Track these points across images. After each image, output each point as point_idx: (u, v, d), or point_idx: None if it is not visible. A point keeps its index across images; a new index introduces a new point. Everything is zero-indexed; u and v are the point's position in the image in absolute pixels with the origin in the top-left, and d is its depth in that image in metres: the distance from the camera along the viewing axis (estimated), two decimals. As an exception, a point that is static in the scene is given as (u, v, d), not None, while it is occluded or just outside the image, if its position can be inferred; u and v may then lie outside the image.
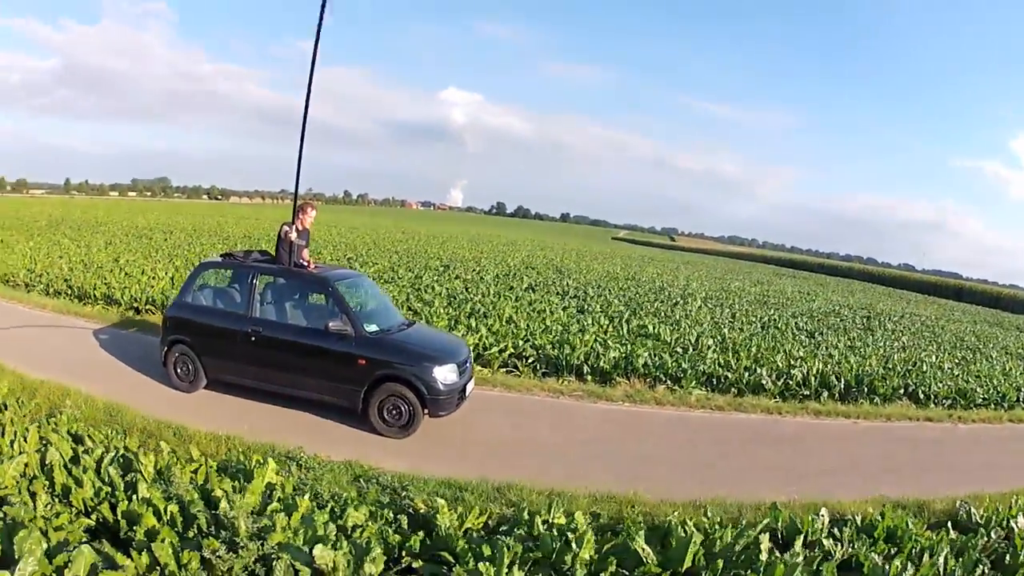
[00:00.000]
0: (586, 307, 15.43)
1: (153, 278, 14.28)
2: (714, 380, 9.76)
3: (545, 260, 29.79)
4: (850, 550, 4.71)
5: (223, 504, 4.06)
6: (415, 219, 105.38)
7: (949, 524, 5.35)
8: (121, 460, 4.97)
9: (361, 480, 5.62)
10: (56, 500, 4.20)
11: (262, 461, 5.24)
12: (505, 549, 3.89)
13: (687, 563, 4.15)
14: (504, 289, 17.29)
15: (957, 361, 13.43)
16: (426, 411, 6.86)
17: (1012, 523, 5.30)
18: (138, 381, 8.05)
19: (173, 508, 4.05)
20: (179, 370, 7.83)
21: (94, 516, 4.12)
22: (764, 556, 4.27)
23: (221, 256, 8.66)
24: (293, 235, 7.56)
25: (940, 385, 10.54)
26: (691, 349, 11.33)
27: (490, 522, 4.91)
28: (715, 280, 28.85)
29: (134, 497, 4.21)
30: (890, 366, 11.65)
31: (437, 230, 58.70)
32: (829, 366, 10.94)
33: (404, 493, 5.25)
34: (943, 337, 17.50)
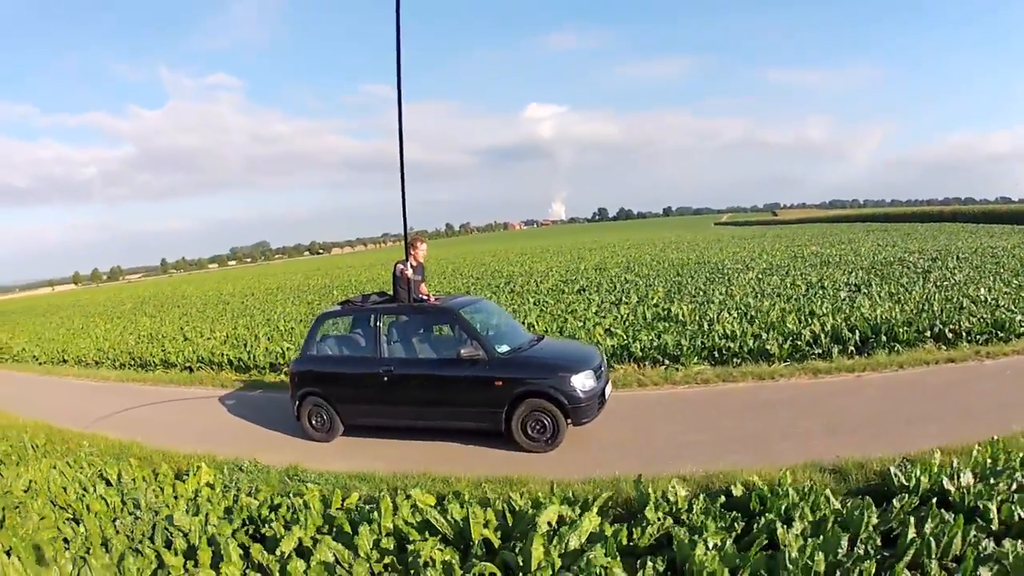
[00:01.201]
0: (623, 299, 15.93)
1: (209, 339, 16.18)
2: (716, 353, 10.04)
3: (621, 259, 30.25)
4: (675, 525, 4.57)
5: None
6: (517, 239, 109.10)
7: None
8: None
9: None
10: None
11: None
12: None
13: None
14: (554, 296, 18.20)
15: (1008, 291, 12.76)
16: (569, 421, 7.10)
17: (946, 483, 4.72)
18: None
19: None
20: (314, 421, 8.34)
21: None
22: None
23: (340, 304, 9.01)
24: (409, 272, 7.99)
25: (974, 320, 10.21)
26: (705, 325, 11.52)
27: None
28: (788, 249, 28.51)
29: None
30: (926, 308, 11.35)
31: (532, 246, 60.73)
32: (847, 319, 10.86)
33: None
34: (1008, 266, 16.62)
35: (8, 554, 4.52)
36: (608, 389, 7.71)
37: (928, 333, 9.95)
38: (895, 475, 4.99)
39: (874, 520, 4.27)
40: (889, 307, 11.74)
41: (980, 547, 3.84)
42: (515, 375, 7.23)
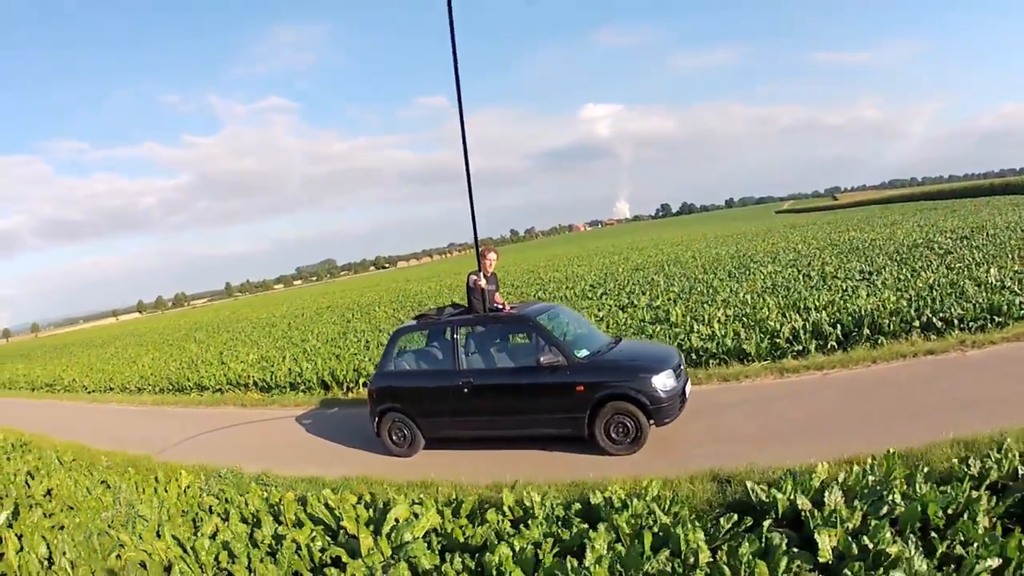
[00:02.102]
0: (634, 302, 16.69)
1: (242, 362, 17.95)
2: (694, 355, 10.52)
3: (662, 258, 31.10)
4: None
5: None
6: (581, 240, 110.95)
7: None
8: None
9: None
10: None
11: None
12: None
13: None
14: (579, 300, 19.24)
15: (1019, 270, 12.77)
16: (652, 421, 7.37)
17: (800, 503, 4.73)
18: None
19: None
20: (394, 437, 8.79)
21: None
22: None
23: (415, 319, 9.41)
24: (482, 282, 8.30)
25: (968, 306, 10.26)
26: (694, 327, 11.98)
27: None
28: (828, 237, 28.57)
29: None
30: (922, 296, 11.55)
31: (589, 247, 62.30)
32: (835, 312, 11.19)
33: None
34: None
35: (19, 538, 6.06)
36: (688, 388, 7.99)
37: (916, 323, 10.08)
38: (753, 491, 5.14)
39: (700, 538, 4.34)
40: (886, 296, 11.91)
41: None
42: (596, 379, 7.52)
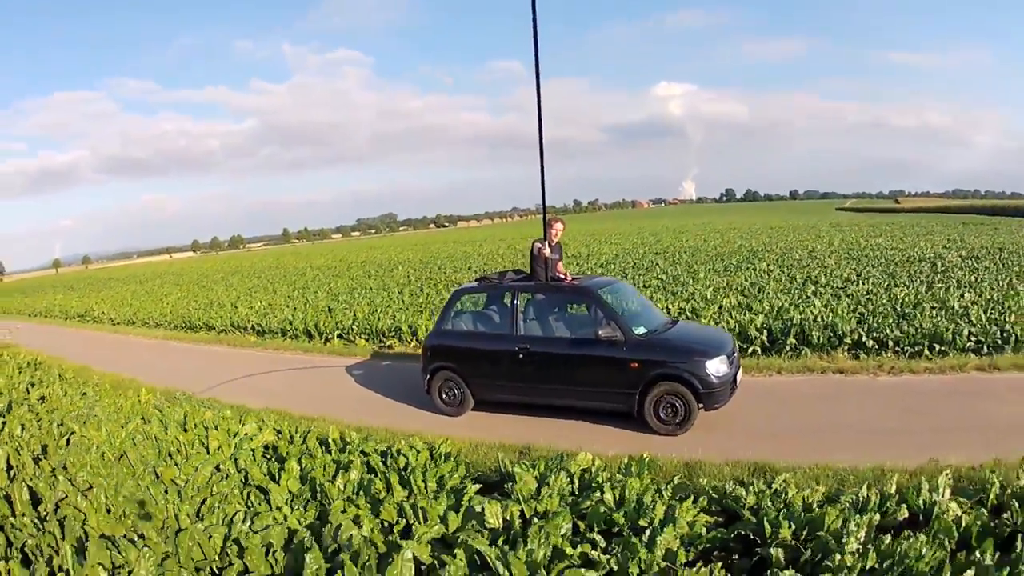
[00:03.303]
0: None
1: (249, 308, 20.43)
2: None
3: (691, 244, 32.37)
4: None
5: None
6: (642, 218, 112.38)
7: None
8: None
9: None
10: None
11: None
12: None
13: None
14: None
15: (995, 298, 12.85)
16: (701, 405, 7.66)
17: None
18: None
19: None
20: (444, 396, 9.26)
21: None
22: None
23: (477, 280, 9.80)
24: (547, 251, 8.65)
25: (909, 329, 10.59)
26: None
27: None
28: (855, 241, 29.12)
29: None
30: (877, 312, 12.01)
31: (642, 226, 63.74)
32: (770, 317, 11.93)
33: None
34: None
35: (3, 424, 8.41)
36: (739, 375, 8.30)
37: (848, 340, 10.61)
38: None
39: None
40: (840, 307, 12.56)
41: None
42: (651, 357, 7.85)
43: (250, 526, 4.66)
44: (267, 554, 4.24)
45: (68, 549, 4.38)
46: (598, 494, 5.24)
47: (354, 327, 15.21)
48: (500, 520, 4.75)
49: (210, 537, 4.50)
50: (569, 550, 4.30)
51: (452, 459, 6.51)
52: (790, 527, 4.59)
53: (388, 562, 3.98)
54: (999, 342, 10.12)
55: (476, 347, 9.06)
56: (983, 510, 4.71)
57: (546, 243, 8.67)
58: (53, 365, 13.75)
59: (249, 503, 5.20)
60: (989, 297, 12.98)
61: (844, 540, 4.26)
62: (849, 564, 4.00)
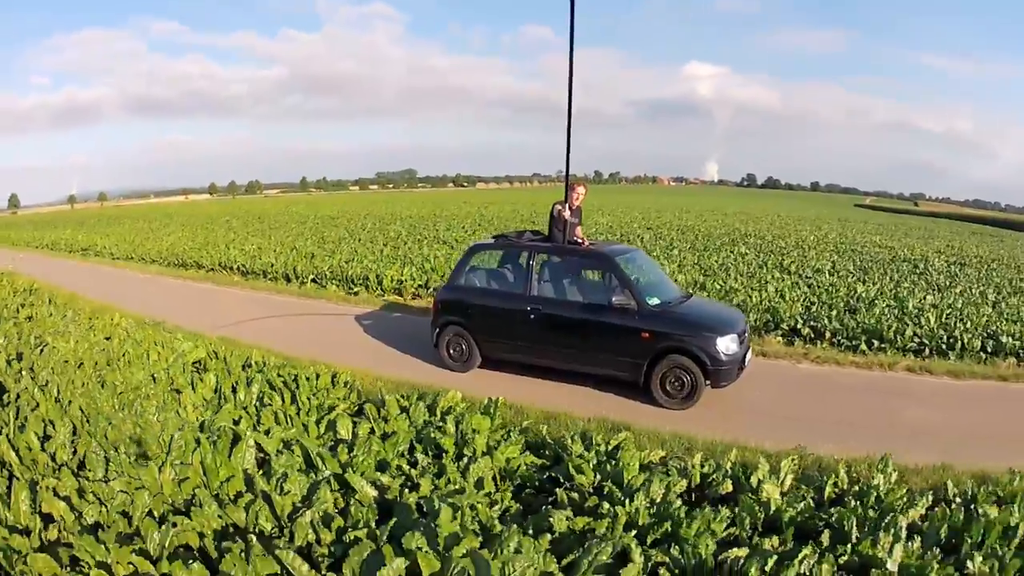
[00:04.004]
0: None
1: (238, 250, 21.63)
2: None
3: (686, 223, 33.09)
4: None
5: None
6: (660, 194, 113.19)
7: None
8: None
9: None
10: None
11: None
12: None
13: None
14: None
15: (950, 304, 12.72)
16: (708, 382, 7.69)
17: None
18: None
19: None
20: (452, 351, 9.26)
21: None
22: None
23: (493, 238, 9.88)
24: (567, 214, 8.60)
25: (849, 322, 10.84)
26: None
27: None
28: (854, 236, 29.18)
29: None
30: (824, 304, 12.22)
31: (656, 202, 64.23)
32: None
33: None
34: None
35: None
36: (749, 356, 8.35)
37: (785, 325, 10.93)
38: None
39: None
40: (788, 294, 12.94)
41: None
42: (663, 329, 7.86)
43: (156, 418, 5.82)
44: (159, 437, 5.37)
45: (13, 422, 5.60)
46: (442, 423, 6.05)
47: (328, 272, 16.39)
48: (349, 432, 5.78)
49: (123, 422, 5.68)
50: (393, 461, 5.22)
51: (347, 386, 7.50)
52: (594, 477, 5.14)
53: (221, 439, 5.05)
54: (943, 346, 10.23)
55: (488, 304, 9.04)
56: (809, 500, 4.97)
57: (566, 206, 8.67)
58: (46, 291, 14.87)
59: (164, 402, 6.34)
60: (951, 302, 13.00)
61: (634, 496, 4.71)
62: (622, 514, 4.46)
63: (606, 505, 4.61)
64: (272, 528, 4.09)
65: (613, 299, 8.01)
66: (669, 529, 4.35)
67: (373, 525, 4.09)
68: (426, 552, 3.59)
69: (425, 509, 4.21)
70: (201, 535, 3.90)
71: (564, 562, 3.89)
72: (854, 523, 4.38)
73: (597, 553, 3.83)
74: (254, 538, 3.76)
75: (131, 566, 3.59)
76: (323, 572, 3.62)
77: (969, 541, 4.32)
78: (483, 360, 9.18)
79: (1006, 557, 4.05)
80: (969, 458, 6.10)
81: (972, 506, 4.87)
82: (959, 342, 10.23)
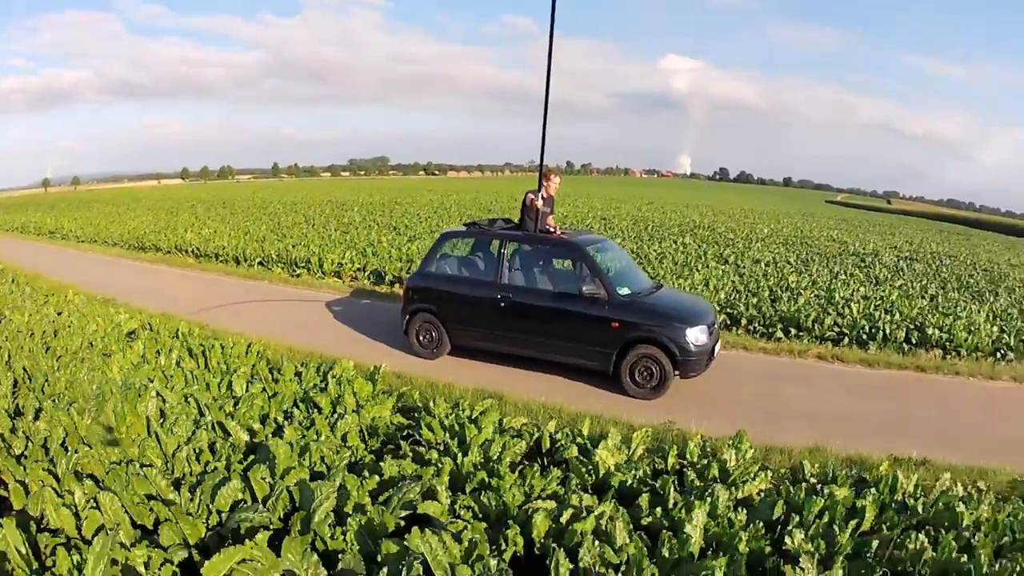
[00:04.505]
0: None
1: (196, 234, 22.42)
2: None
3: (639, 217, 33.34)
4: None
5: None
6: (629, 186, 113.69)
7: None
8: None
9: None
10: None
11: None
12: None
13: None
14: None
15: (882, 297, 13.06)
16: (677, 372, 7.70)
17: None
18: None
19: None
20: (422, 338, 9.21)
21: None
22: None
23: (465, 225, 9.73)
24: (539, 202, 8.59)
25: (767, 310, 11.20)
26: None
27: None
28: (810, 231, 29.32)
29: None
30: (738, 291, 12.77)
31: (619, 193, 64.46)
32: None
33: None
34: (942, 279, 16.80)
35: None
36: (718, 347, 8.35)
37: None
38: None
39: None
40: (712, 283, 13.38)
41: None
42: (632, 319, 7.86)
43: (87, 377, 6.79)
44: (85, 392, 6.30)
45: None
46: (327, 386, 6.86)
47: (274, 255, 17.35)
48: (243, 390, 6.73)
49: (58, 380, 6.67)
50: (273, 414, 6.07)
51: (259, 355, 8.37)
52: (444, 435, 5.70)
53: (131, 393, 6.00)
54: (864, 336, 10.47)
55: (458, 292, 9.04)
56: (646, 468, 5.38)
57: (540, 194, 8.67)
58: (10, 272, 15.67)
59: (95, 364, 7.31)
60: (886, 295, 13.26)
61: (469, 452, 5.17)
62: (448, 465, 4.96)
63: (435, 455, 5.22)
64: (160, 461, 5.04)
65: (583, 288, 7.97)
66: (486, 480, 4.82)
67: (236, 461, 5.03)
68: (262, 479, 4.51)
69: (281, 451, 4.91)
70: (101, 463, 4.86)
71: (381, 499, 4.42)
72: (672, 490, 4.74)
73: (406, 491, 4.32)
74: (137, 465, 4.73)
75: (41, 483, 4.48)
76: (182, 491, 4.45)
77: (797, 519, 4.45)
78: (453, 348, 9.21)
79: (836, 537, 4.18)
80: (852, 443, 6.35)
81: (821, 486, 5.10)
82: (880, 332, 10.47)
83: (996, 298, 14.30)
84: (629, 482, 5.02)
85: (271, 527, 4.10)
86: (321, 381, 7.14)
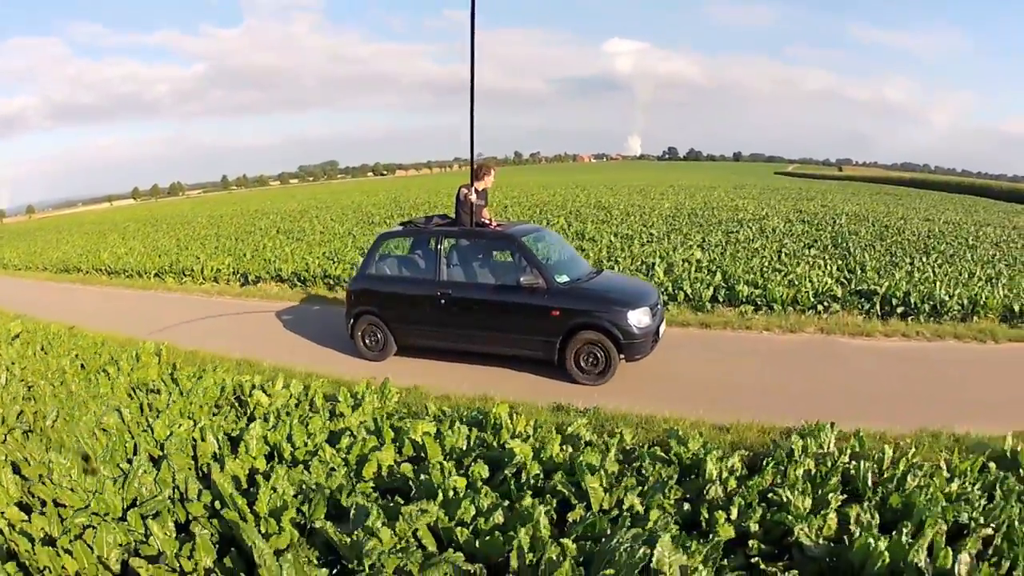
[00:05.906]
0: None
1: (112, 253, 23.84)
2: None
3: (586, 197, 34.78)
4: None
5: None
6: (577, 171, 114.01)
7: None
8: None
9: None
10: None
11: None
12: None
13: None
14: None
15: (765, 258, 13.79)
16: (622, 356, 7.55)
17: None
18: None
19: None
20: (367, 341, 9.02)
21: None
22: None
23: (401, 225, 9.48)
24: (472, 196, 8.36)
25: (702, 287, 11.34)
26: None
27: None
28: (744, 204, 29.60)
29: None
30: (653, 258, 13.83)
31: (561, 180, 65.25)
32: None
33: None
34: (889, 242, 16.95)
35: None
36: (663, 328, 8.21)
37: None
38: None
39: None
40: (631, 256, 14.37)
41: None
42: (572, 306, 7.71)
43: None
44: None
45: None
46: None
47: (167, 267, 19.10)
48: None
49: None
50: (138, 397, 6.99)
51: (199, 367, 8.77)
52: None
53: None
54: (758, 302, 10.82)
55: (399, 292, 8.88)
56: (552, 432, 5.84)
57: (472, 188, 8.48)
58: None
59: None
60: (734, 254, 14.48)
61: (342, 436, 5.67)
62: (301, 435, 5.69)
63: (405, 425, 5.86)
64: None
65: (521, 279, 7.86)
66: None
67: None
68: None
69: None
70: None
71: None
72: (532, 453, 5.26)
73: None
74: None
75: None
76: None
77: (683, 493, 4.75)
78: (399, 348, 9.08)
79: (732, 508, 4.29)
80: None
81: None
82: (682, 292, 11.18)
83: (851, 255, 14.78)
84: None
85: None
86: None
